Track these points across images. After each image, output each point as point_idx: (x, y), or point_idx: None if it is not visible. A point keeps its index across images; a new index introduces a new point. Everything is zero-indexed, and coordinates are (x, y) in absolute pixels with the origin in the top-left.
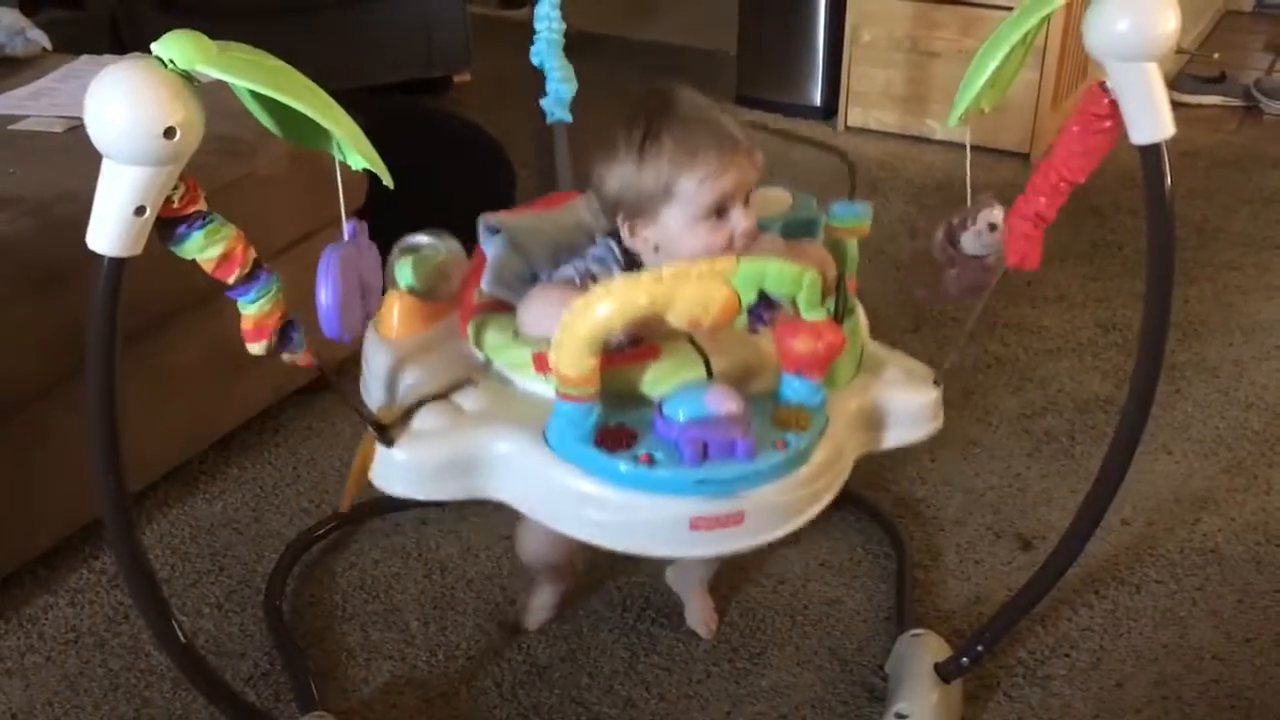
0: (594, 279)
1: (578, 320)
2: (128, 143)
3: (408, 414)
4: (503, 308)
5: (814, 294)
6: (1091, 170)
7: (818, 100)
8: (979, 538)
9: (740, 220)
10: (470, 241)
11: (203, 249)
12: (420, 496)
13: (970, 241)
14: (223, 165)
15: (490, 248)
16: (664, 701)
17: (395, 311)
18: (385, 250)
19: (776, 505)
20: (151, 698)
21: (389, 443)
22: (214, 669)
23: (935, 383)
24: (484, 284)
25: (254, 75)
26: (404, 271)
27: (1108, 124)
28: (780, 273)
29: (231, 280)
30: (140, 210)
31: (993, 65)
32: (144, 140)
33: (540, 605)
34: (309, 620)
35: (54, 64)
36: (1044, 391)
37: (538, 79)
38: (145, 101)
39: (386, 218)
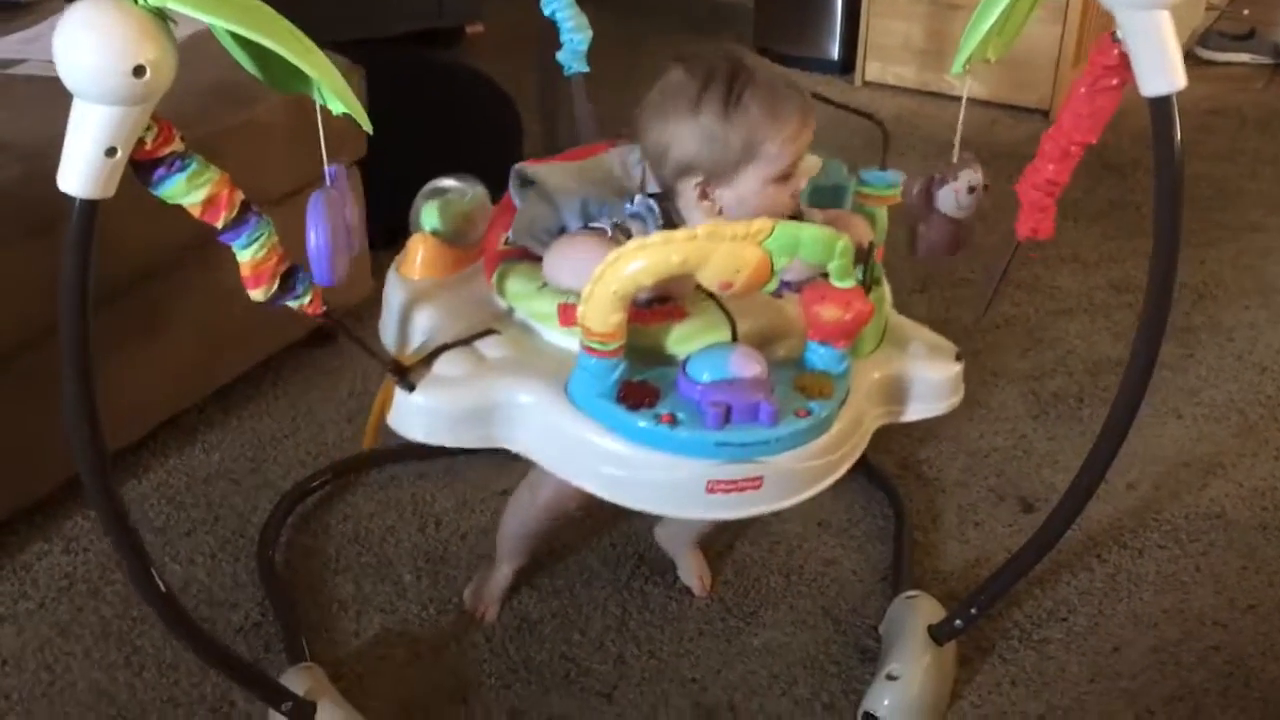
0: (627, 235)
1: (609, 275)
2: (96, 81)
3: (429, 359)
4: (529, 256)
5: (846, 262)
6: (1100, 130)
7: (835, 54)
8: (981, 499)
9: (801, 180)
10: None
11: (186, 193)
12: (437, 443)
13: (946, 199)
14: (222, 111)
15: (521, 198)
16: (655, 659)
17: (419, 253)
18: (392, 196)
19: (795, 472)
20: (143, 645)
21: (410, 387)
22: (194, 619)
23: (957, 358)
24: (512, 233)
25: (227, 14)
26: (430, 214)
27: (1114, 81)
28: (815, 239)
29: (220, 224)
30: (111, 151)
31: (997, 10)
32: (113, 79)
33: (499, 591)
34: (302, 572)
35: (56, 8)
36: (1054, 352)
37: (551, 31)
38: (113, 39)
39: (390, 167)
